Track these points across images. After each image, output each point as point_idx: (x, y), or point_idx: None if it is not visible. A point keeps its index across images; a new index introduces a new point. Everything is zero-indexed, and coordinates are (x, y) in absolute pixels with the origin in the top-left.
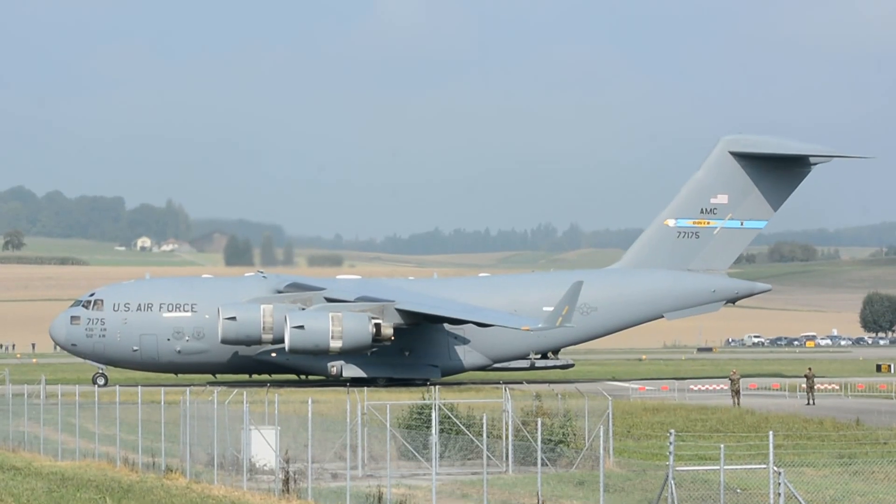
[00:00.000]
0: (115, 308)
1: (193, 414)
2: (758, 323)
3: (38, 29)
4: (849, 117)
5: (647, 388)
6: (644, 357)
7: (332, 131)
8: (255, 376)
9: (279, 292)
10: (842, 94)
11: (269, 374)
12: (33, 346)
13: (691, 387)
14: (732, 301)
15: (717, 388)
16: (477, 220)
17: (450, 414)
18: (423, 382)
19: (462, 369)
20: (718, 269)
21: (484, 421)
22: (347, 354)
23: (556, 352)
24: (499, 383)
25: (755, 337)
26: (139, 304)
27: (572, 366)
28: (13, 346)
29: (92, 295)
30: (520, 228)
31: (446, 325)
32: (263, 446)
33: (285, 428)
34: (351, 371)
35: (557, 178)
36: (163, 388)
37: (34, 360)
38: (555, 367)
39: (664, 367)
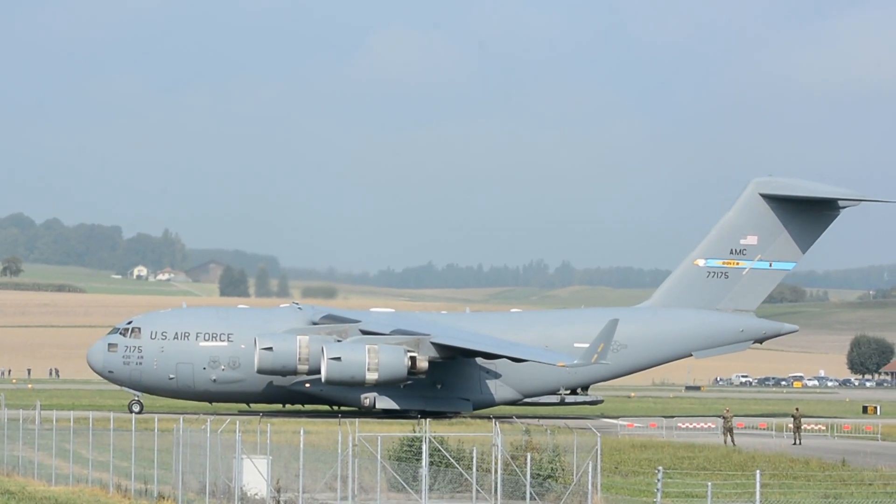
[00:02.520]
0: (153, 336)
1: (186, 442)
2: (746, 363)
3: (37, 56)
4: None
5: (635, 424)
6: (633, 394)
7: (327, 164)
8: (287, 406)
9: (314, 324)
10: (841, 137)
11: (302, 405)
12: (29, 371)
13: (679, 425)
14: (760, 341)
15: (705, 426)
16: (470, 255)
17: (440, 447)
18: (455, 415)
19: (493, 403)
20: (747, 310)
21: (474, 454)
22: (382, 387)
23: (585, 388)
24: (511, 417)
25: (743, 376)
26: (176, 333)
27: (601, 402)
28: (9, 371)
29: (130, 323)
30: (512, 265)
31: (478, 360)
32: (255, 475)
33: (277, 457)
34: (384, 403)
35: (550, 215)
36: (156, 416)
37: (29, 386)
38: (584, 402)
39: (652, 405)
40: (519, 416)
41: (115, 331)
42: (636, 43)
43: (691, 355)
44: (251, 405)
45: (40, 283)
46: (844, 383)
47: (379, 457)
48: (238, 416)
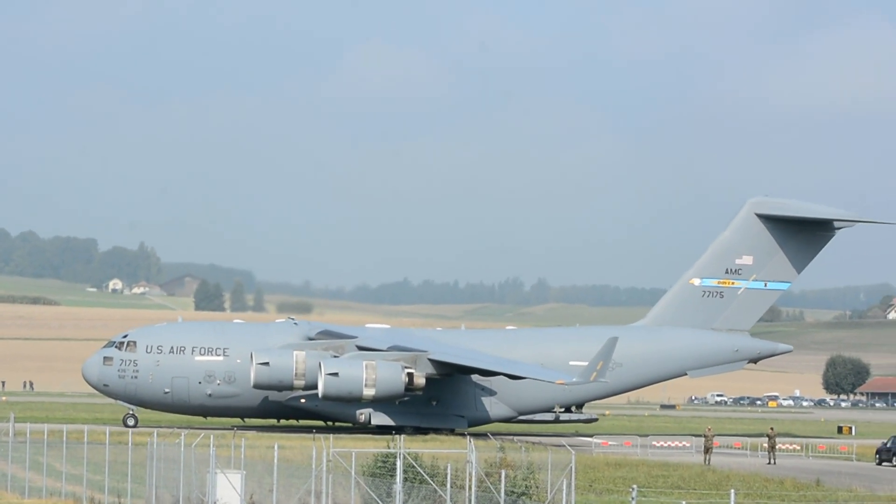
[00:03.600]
0: (148, 350)
1: (160, 456)
2: (721, 382)
3: (13, 67)
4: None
5: (609, 443)
6: (608, 412)
7: (304, 179)
8: (282, 421)
9: (310, 339)
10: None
11: (297, 420)
12: (3, 383)
13: (654, 443)
14: (754, 361)
15: (680, 444)
16: (446, 271)
17: (414, 463)
18: (450, 432)
19: (488, 420)
20: (742, 329)
21: (448, 471)
22: (378, 403)
23: (579, 406)
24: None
25: (718, 395)
26: (172, 347)
27: (596, 420)
28: None
29: (125, 336)
30: (488, 281)
31: (474, 377)
32: (228, 490)
33: (251, 472)
34: (379, 419)
35: (526, 231)
36: (130, 430)
37: (3, 399)
38: (579, 420)
39: (627, 423)
40: (506, 434)
41: (110, 344)
42: (616, 60)
43: (686, 374)
44: (246, 420)
45: (15, 296)
46: (820, 403)
47: (353, 472)
48: (212, 431)
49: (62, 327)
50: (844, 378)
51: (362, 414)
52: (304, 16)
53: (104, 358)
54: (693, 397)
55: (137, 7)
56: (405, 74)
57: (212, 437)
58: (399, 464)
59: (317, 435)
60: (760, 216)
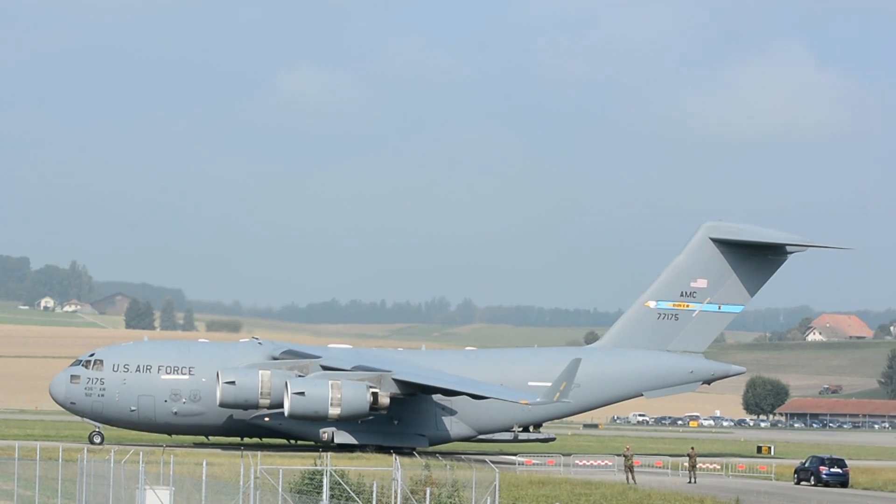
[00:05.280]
0: (115, 369)
1: (90, 472)
2: (643, 401)
3: None
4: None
5: (533, 461)
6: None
7: (233, 199)
8: (246, 439)
9: (274, 358)
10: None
11: (261, 438)
12: None
13: (577, 461)
14: (708, 382)
15: (602, 463)
16: (373, 291)
17: (340, 480)
18: (411, 451)
19: (448, 439)
20: (696, 351)
21: (374, 488)
22: (343, 422)
23: (537, 426)
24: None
25: (640, 415)
26: (138, 366)
27: (553, 439)
28: None
29: (92, 355)
30: (414, 301)
31: (435, 396)
32: None
33: (179, 489)
34: (342, 437)
35: (452, 252)
36: (60, 445)
37: None
38: (537, 440)
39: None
40: (468, 453)
41: (77, 363)
42: (540, 84)
43: (642, 395)
44: (210, 438)
45: None
46: (740, 423)
47: (280, 489)
48: (142, 447)
49: None
50: (764, 399)
51: (325, 432)
52: (234, 40)
53: (71, 376)
54: (615, 417)
55: (67, 29)
56: (333, 98)
57: (141, 453)
58: (326, 481)
59: (245, 452)
60: (715, 240)
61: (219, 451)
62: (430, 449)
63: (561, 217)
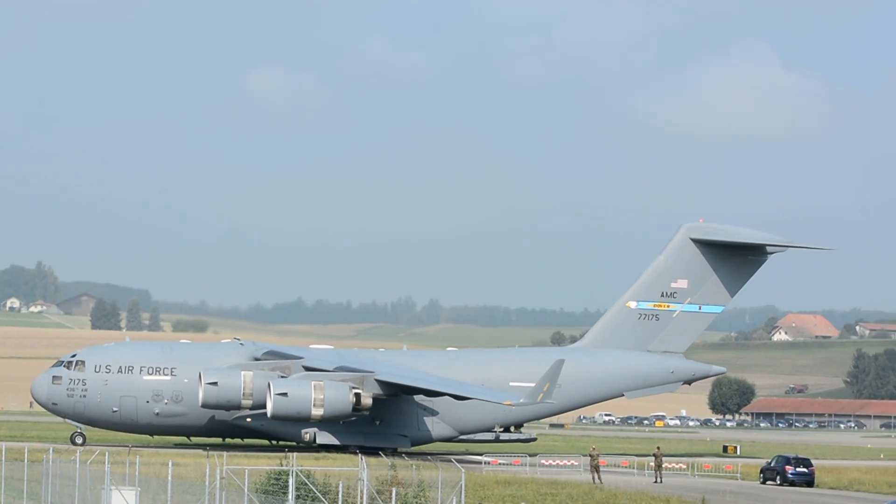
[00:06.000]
0: (97, 369)
1: (56, 472)
2: (609, 401)
3: None
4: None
5: (499, 461)
6: (498, 427)
7: (199, 199)
8: (227, 440)
9: (256, 359)
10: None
11: (242, 439)
12: None
13: (543, 461)
14: (689, 382)
15: (569, 463)
16: (339, 292)
17: (306, 480)
18: (393, 451)
19: (430, 440)
20: (676, 351)
21: (340, 488)
22: (325, 422)
23: (518, 426)
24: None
25: (606, 415)
26: (120, 367)
27: (535, 439)
28: None
29: (74, 356)
30: (381, 301)
31: (417, 397)
32: None
33: (145, 489)
34: (324, 438)
35: (418, 252)
36: (26, 446)
37: None
38: (518, 440)
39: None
40: (468, 453)
41: (59, 363)
42: (506, 84)
43: (623, 395)
44: (192, 439)
45: None
46: (706, 423)
47: (246, 490)
48: (108, 448)
49: None
50: (730, 398)
51: (307, 433)
52: (200, 40)
53: (53, 377)
54: (581, 416)
55: (30, 27)
56: (299, 99)
57: (107, 453)
58: (291, 481)
59: (210, 452)
60: (695, 241)
61: (185, 451)
62: (414, 450)
63: (527, 217)
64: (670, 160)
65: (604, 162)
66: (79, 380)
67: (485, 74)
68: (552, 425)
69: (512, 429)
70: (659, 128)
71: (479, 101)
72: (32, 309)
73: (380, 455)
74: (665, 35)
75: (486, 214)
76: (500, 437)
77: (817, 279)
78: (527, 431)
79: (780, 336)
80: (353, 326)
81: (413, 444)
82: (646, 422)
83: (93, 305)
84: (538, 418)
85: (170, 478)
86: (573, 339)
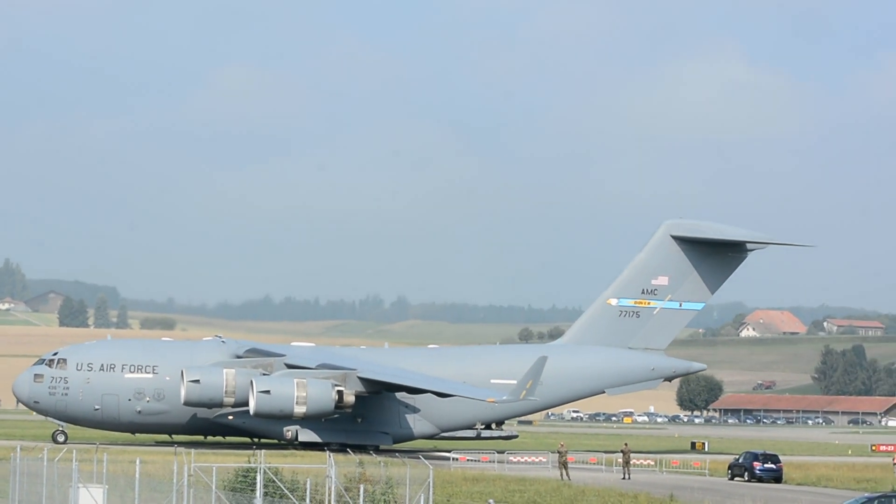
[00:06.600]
0: (79, 367)
1: (23, 470)
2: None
3: None
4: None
5: (467, 458)
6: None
7: (164, 196)
8: (209, 438)
9: (238, 357)
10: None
11: (224, 437)
12: None
13: (511, 458)
14: (669, 379)
15: (537, 460)
16: (307, 289)
17: (274, 478)
18: (376, 449)
19: (412, 437)
20: (657, 348)
21: (308, 485)
22: (308, 420)
23: (499, 423)
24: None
25: (574, 412)
26: (102, 365)
27: (516, 437)
28: None
29: (55, 354)
30: (348, 299)
31: (399, 394)
32: None
33: (113, 487)
34: (306, 436)
35: (385, 249)
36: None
37: None
38: (500, 437)
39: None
40: (436, 450)
41: (40, 362)
42: (477, 82)
43: (604, 392)
44: (174, 437)
45: None
46: (674, 419)
47: (214, 487)
48: (76, 445)
49: None
50: (698, 395)
51: (289, 431)
52: (163, 38)
53: (34, 375)
54: (549, 413)
55: None
56: (264, 95)
57: (74, 451)
58: (259, 478)
59: (178, 450)
60: (675, 238)
61: (154, 449)
62: (383, 447)
63: (495, 214)
64: (636, 155)
65: (576, 159)
66: (61, 378)
67: (451, 70)
68: (520, 422)
69: (493, 426)
70: (627, 124)
71: (449, 96)
72: (0, 307)
73: (348, 452)
74: (638, 32)
75: (455, 211)
76: (482, 435)
77: (785, 275)
78: (508, 429)
79: (747, 332)
80: (322, 323)
81: (395, 442)
82: (614, 418)
83: (60, 303)
84: (520, 415)
85: (137, 475)
86: (541, 336)
